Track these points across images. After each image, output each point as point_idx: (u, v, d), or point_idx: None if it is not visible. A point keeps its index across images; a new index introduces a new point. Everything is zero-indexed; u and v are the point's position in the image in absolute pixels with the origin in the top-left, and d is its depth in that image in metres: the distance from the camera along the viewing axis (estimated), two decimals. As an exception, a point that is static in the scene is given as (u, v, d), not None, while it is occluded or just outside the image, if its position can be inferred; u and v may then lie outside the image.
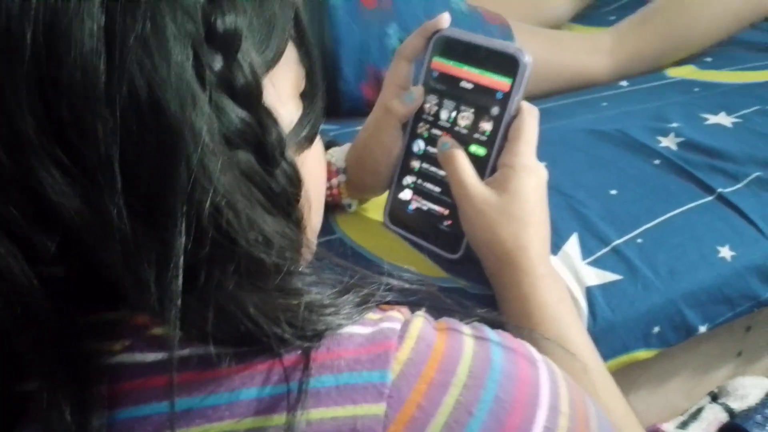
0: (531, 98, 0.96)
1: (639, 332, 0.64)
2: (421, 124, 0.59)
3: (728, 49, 1.12)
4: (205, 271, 0.26)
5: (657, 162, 0.79)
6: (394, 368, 0.27)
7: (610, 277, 0.65)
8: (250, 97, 0.28)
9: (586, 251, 0.66)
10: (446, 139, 0.56)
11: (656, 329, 0.64)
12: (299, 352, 0.27)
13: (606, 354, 0.63)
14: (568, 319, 0.51)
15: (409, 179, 0.62)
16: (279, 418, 0.26)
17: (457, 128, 0.56)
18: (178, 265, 0.25)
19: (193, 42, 0.26)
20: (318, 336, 0.28)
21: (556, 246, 0.65)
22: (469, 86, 0.55)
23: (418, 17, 0.94)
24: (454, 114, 0.56)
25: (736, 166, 0.78)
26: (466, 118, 0.56)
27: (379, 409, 0.26)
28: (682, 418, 0.79)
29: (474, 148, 0.56)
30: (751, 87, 0.97)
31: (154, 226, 0.26)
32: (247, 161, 0.28)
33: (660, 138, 0.83)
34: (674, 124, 0.85)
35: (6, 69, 0.24)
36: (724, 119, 0.89)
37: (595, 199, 0.72)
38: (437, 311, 0.32)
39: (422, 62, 0.58)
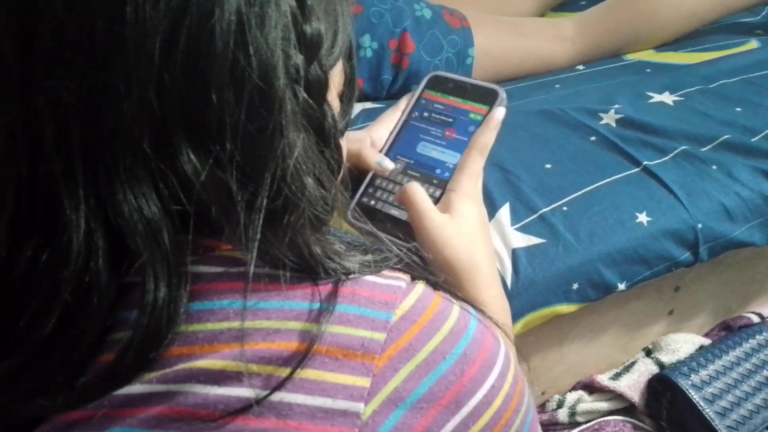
0: (493, 82, 1.04)
1: (559, 288, 0.72)
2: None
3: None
4: (284, 214, 0.35)
5: (593, 139, 0.86)
6: (397, 313, 0.36)
7: (535, 240, 0.73)
8: (320, 89, 0.37)
9: (515, 218, 0.74)
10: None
11: (575, 286, 0.72)
12: (331, 284, 0.36)
13: (528, 306, 0.72)
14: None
15: (378, 182, 0.67)
16: (313, 326, 0.35)
17: (440, 139, 0.65)
18: (261, 210, 0.34)
19: (288, 35, 0.34)
20: (347, 274, 0.37)
21: (490, 214, 0.74)
22: (453, 109, 0.65)
23: (388, 27, 1.01)
24: (440, 130, 0.65)
25: (667, 141, 0.85)
26: (449, 131, 0.66)
27: (381, 336, 0.35)
28: (616, 370, 0.87)
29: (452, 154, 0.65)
30: (699, 67, 1.03)
31: (249, 179, 0.34)
32: (310, 138, 0.37)
33: (602, 115, 0.90)
34: (617, 104, 0.92)
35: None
36: (666, 98, 0.95)
37: (530, 173, 0.80)
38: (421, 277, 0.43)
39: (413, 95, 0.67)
